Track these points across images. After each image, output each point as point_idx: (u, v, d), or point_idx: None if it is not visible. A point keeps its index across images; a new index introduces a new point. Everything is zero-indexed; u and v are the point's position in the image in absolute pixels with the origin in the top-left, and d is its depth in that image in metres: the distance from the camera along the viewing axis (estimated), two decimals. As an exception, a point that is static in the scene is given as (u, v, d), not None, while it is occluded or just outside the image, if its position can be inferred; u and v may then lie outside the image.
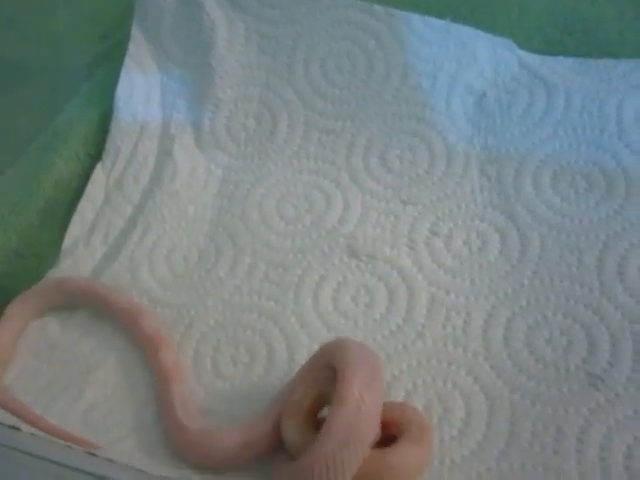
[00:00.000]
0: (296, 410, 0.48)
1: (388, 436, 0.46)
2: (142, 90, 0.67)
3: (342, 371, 0.45)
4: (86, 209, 0.64)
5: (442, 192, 0.60)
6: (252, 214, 0.62)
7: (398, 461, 0.45)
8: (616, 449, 0.48)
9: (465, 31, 0.63)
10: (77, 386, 0.55)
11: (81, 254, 0.62)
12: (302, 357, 0.54)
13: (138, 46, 0.68)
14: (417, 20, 0.64)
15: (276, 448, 0.48)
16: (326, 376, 0.47)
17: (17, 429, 0.47)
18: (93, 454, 0.46)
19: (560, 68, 0.62)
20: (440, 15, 0.64)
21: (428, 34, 0.64)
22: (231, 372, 0.55)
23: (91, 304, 0.58)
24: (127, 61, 0.68)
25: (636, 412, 0.49)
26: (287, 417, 0.47)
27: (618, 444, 0.48)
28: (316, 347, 0.54)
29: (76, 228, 0.63)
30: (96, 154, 0.66)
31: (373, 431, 0.44)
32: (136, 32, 0.68)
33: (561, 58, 0.63)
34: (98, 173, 0.65)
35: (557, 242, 0.56)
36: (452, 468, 0.49)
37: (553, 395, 0.51)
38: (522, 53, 0.63)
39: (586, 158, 0.59)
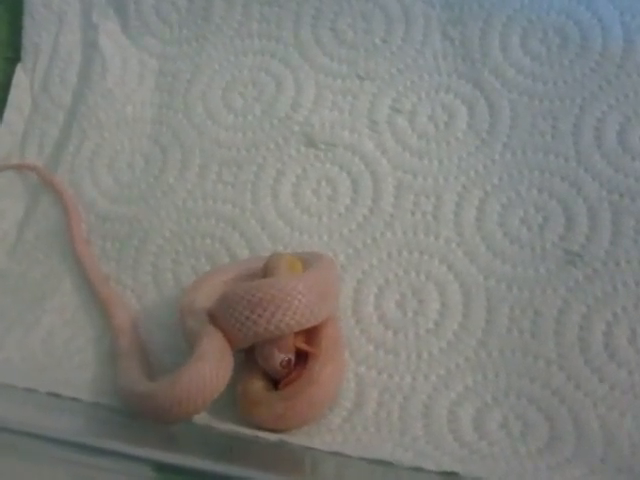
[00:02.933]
0: None
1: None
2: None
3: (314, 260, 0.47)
4: (14, 119, 0.58)
5: (402, 63, 0.55)
6: (196, 108, 0.56)
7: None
8: (595, 328, 0.47)
9: None
10: (32, 313, 0.52)
11: (15, 171, 0.56)
12: (266, 262, 0.51)
13: None
14: None
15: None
16: None
17: None
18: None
19: None
20: None
21: None
22: (194, 284, 0.52)
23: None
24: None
25: (615, 288, 0.47)
26: None
27: (597, 323, 0.47)
28: (280, 249, 0.52)
29: (6, 142, 0.57)
30: (16, 57, 0.58)
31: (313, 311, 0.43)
32: None
33: None
34: (20, 76, 0.58)
35: (529, 109, 0.52)
36: (430, 362, 0.48)
37: (530, 277, 0.49)
38: None
39: (558, 9, 0.53)
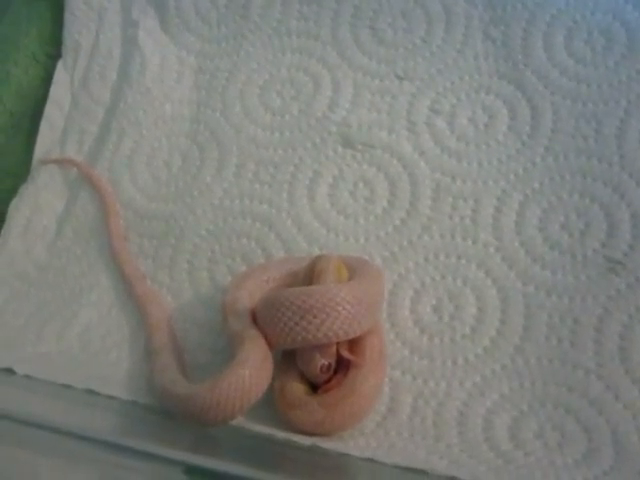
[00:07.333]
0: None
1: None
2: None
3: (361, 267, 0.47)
4: (53, 115, 0.58)
5: (442, 63, 0.54)
6: (234, 107, 0.56)
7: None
8: (636, 337, 0.46)
9: None
10: (70, 308, 0.53)
11: (55, 166, 0.57)
12: (301, 263, 0.51)
13: None
14: None
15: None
16: None
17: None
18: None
19: None
20: None
21: None
22: (229, 270, 0.52)
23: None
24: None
25: (658, 297, 0.46)
26: None
27: (639, 332, 0.46)
28: (316, 251, 0.51)
29: (46, 138, 0.58)
30: (57, 54, 0.59)
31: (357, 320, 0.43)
32: None
33: None
34: (60, 73, 0.58)
35: (572, 112, 0.51)
36: (465, 368, 0.47)
37: (569, 284, 0.48)
38: None
39: (604, 9, 0.52)
